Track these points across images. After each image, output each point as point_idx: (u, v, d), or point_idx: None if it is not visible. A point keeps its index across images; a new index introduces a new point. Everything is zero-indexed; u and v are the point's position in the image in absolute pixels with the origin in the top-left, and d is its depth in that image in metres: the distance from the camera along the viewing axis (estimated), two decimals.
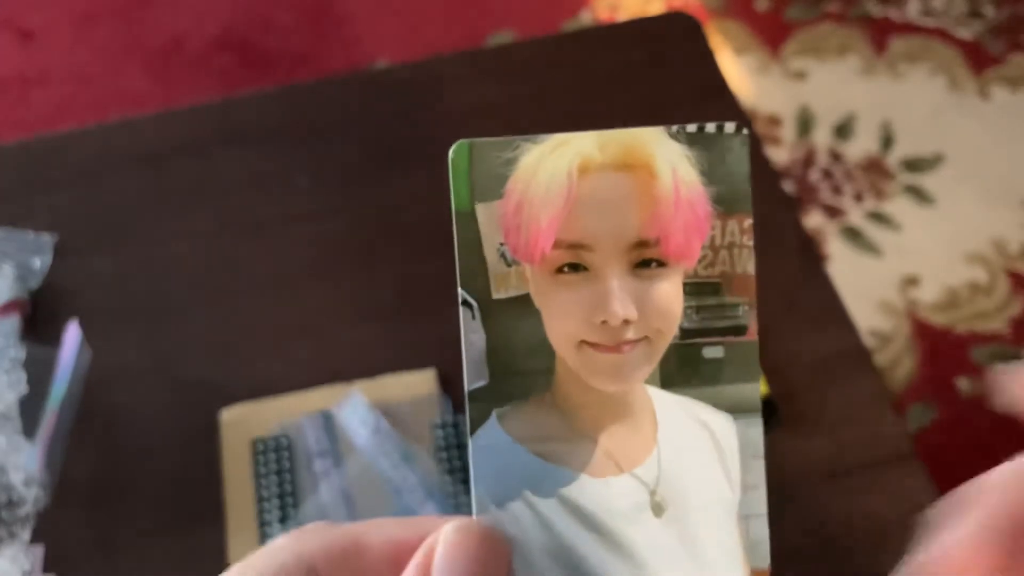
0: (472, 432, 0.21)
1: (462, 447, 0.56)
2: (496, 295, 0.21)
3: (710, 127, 0.20)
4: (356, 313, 0.62)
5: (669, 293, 0.20)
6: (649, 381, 0.21)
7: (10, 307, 0.60)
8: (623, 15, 1.55)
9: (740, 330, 0.21)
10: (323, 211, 0.66)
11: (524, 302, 0.21)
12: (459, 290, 0.21)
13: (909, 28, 1.51)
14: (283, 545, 0.21)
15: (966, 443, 1.14)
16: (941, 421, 1.16)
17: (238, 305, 0.63)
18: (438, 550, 0.19)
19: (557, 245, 0.20)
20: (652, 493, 0.21)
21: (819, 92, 1.44)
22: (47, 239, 0.64)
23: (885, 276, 1.27)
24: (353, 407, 0.57)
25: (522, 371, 0.21)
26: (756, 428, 0.21)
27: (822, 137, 1.40)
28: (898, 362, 1.21)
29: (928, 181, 1.35)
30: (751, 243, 0.20)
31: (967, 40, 1.49)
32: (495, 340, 0.21)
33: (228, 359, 0.60)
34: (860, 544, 0.54)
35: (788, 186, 1.34)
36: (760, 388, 0.21)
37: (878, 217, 1.33)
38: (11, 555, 0.52)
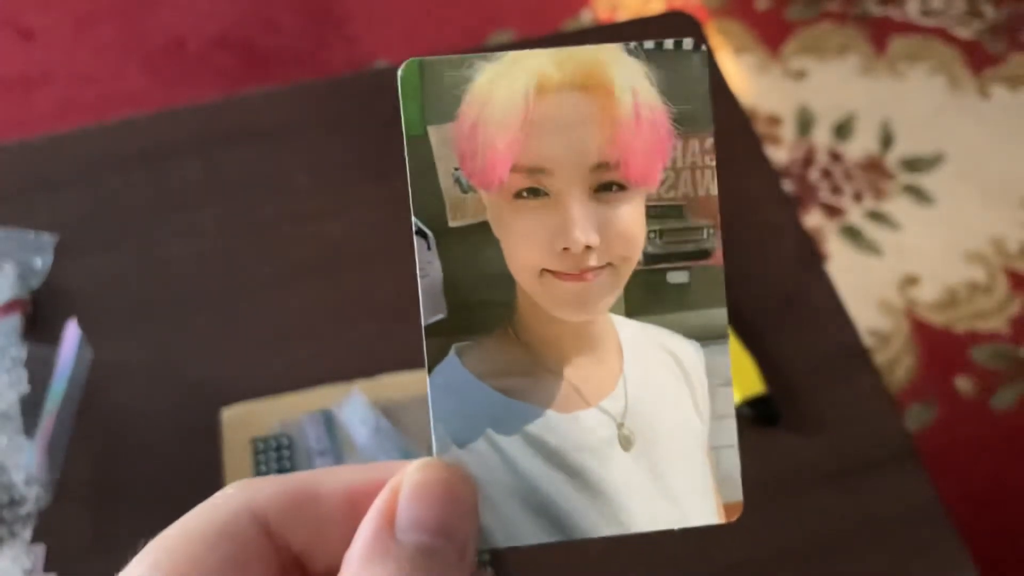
0: (430, 370, 0.20)
1: None
2: (452, 223, 0.20)
3: (668, 43, 0.19)
4: (356, 313, 0.62)
5: (632, 217, 0.20)
6: (614, 310, 0.20)
7: (11, 306, 0.60)
8: (623, 15, 1.55)
9: (705, 254, 0.20)
10: (323, 211, 0.66)
11: (482, 230, 0.20)
12: (412, 219, 0.20)
13: (909, 27, 1.51)
14: (231, 495, 0.20)
15: (966, 443, 1.14)
16: (941, 421, 1.16)
17: (238, 304, 0.63)
18: (403, 490, 0.18)
19: (515, 169, 0.19)
20: (620, 426, 0.20)
21: (819, 91, 1.44)
22: (48, 239, 0.64)
23: (884, 275, 1.27)
24: (353, 406, 0.57)
25: (481, 303, 0.20)
26: (723, 355, 0.20)
27: (822, 136, 1.40)
28: (897, 361, 1.21)
29: (927, 181, 1.36)
30: (713, 163, 0.20)
31: (967, 39, 1.49)
32: (452, 271, 0.20)
33: (228, 358, 0.61)
34: (860, 544, 0.54)
35: (788, 185, 1.35)
36: (726, 312, 0.20)
37: (877, 216, 1.33)
38: (12, 554, 0.53)
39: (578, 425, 0.20)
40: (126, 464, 0.57)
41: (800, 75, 1.47)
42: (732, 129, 0.69)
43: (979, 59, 1.47)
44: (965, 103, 1.43)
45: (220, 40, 1.51)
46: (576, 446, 0.20)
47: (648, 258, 0.20)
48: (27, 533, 0.53)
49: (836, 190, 1.35)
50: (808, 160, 1.38)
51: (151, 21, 1.53)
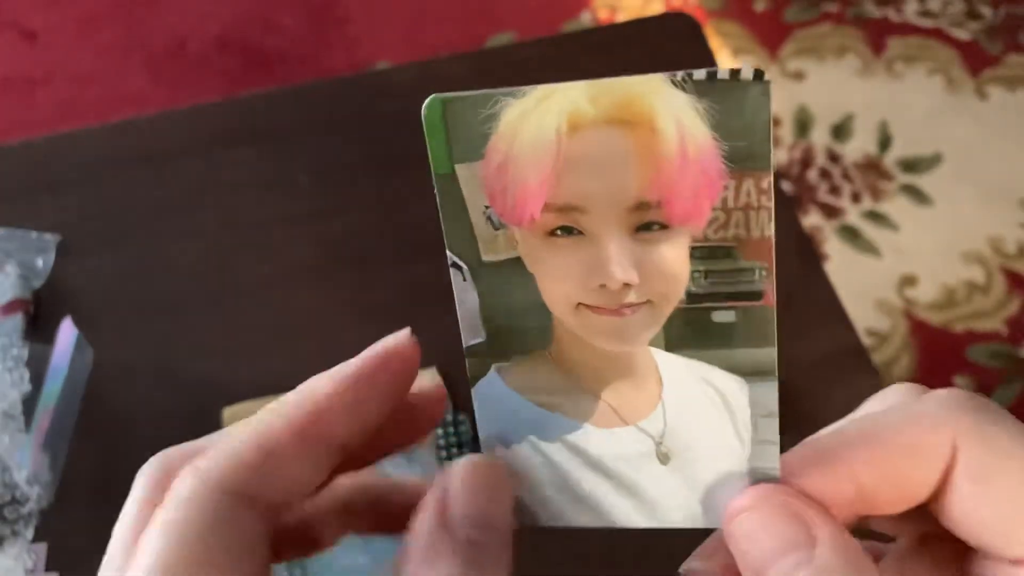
0: (472, 384, 0.21)
1: (463, 446, 0.56)
2: (485, 258, 0.19)
3: (723, 73, 0.17)
4: (356, 313, 0.62)
5: (673, 256, 0.18)
6: (653, 343, 0.19)
7: (13, 306, 0.60)
8: (623, 16, 1.55)
9: (755, 295, 0.18)
10: (324, 211, 0.66)
11: (516, 264, 0.19)
12: (447, 252, 0.19)
13: (907, 29, 1.51)
14: (196, 489, 0.19)
15: None
16: None
17: (240, 304, 0.63)
18: (452, 488, 0.19)
19: (547, 208, 0.18)
20: (658, 444, 0.20)
21: (817, 92, 1.45)
22: (50, 239, 0.64)
23: (883, 275, 1.28)
24: None
25: (518, 329, 0.20)
26: (770, 391, 0.19)
27: (820, 137, 1.40)
28: (896, 361, 1.21)
29: (925, 181, 1.36)
30: (770, 204, 0.17)
31: (964, 40, 1.50)
32: (488, 301, 0.20)
33: (229, 358, 0.61)
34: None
35: (786, 186, 1.35)
36: (776, 352, 0.19)
37: (876, 217, 1.33)
38: (14, 553, 0.53)
39: (616, 438, 0.20)
40: (127, 463, 0.57)
41: (798, 76, 1.47)
42: None
43: (977, 60, 1.48)
44: (963, 104, 1.43)
45: (221, 41, 1.51)
46: (614, 456, 0.20)
47: (691, 297, 0.18)
48: (29, 532, 0.54)
49: (834, 190, 1.36)
50: (807, 161, 1.38)
51: (153, 23, 1.53)
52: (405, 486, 0.23)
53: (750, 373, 0.19)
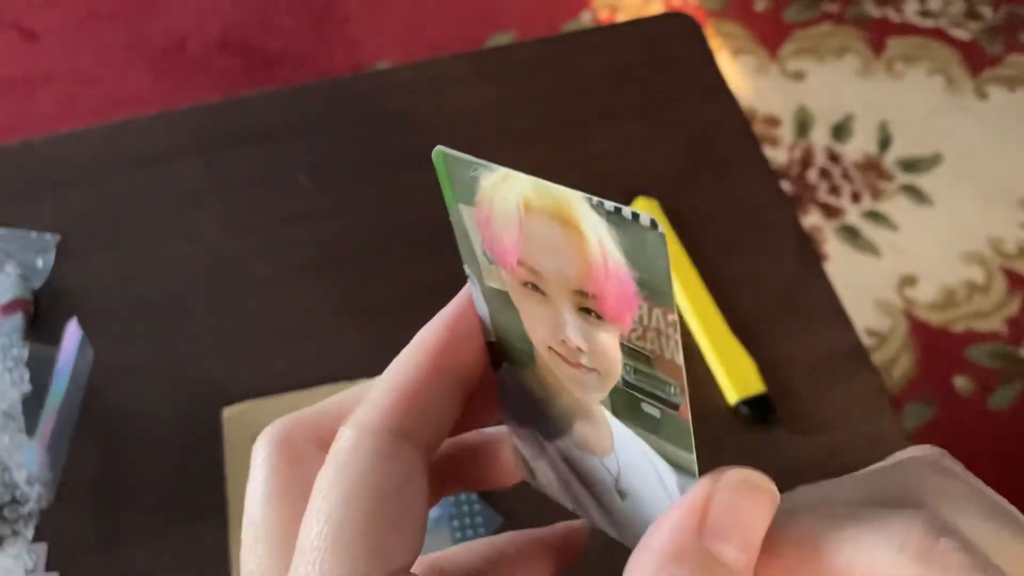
0: (495, 369, 0.23)
1: None
2: (488, 283, 0.21)
3: (626, 212, 0.17)
4: (356, 313, 0.62)
5: (611, 343, 0.19)
6: (603, 404, 0.21)
7: (13, 306, 0.60)
8: (623, 16, 1.55)
9: (672, 405, 0.19)
10: (323, 211, 0.66)
11: (508, 295, 0.21)
12: (464, 267, 0.21)
13: (907, 29, 1.52)
14: (361, 443, 0.20)
15: (963, 442, 1.15)
16: (938, 420, 1.17)
17: (240, 304, 0.63)
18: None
19: (520, 264, 0.20)
20: (616, 481, 0.22)
21: (817, 92, 1.45)
22: (50, 239, 0.64)
23: (882, 275, 1.28)
24: None
25: (515, 348, 0.22)
26: (693, 484, 0.20)
27: (820, 137, 1.40)
28: (895, 361, 1.21)
29: (925, 181, 1.36)
30: (677, 336, 0.18)
31: (964, 40, 1.50)
32: (493, 314, 0.22)
33: (230, 358, 0.61)
34: None
35: (786, 186, 1.35)
36: (695, 460, 0.20)
37: (876, 217, 1.33)
38: (14, 553, 0.53)
39: (589, 461, 0.22)
40: (128, 463, 0.57)
41: (798, 76, 1.47)
42: (731, 130, 0.69)
43: (977, 60, 1.48)
44: (963, 104, 1.43)
45: (221, 42, 1.51)
46: (591, 472, 0.22)
47: (625, 383, 0.20)
48: (29, 532, 0.54)
49: (834, 190, 1.36)
50: (806, 161, 1.39)
51: (153, 23, 1.54)
52: (492, 438, 0.24)
53: (675, 465, 0.20)
